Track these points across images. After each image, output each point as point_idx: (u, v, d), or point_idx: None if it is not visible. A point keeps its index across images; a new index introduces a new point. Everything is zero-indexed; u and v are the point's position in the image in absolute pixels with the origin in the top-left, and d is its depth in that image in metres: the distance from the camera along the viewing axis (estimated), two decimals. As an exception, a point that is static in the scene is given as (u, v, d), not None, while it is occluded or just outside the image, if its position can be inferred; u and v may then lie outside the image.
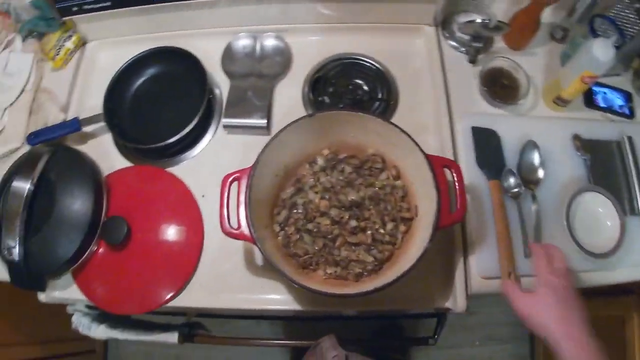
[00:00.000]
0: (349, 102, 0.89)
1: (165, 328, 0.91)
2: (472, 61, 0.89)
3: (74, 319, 0.93)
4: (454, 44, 0.91)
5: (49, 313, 0.98)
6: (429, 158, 0.69)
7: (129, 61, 0.93)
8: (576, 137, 0.85)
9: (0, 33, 0.97)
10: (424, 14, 0.90)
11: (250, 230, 0.68)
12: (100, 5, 0.90)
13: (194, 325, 0.91)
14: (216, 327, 1.00)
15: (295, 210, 0.76)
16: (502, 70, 0.88)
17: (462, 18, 0.91)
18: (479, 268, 0.77)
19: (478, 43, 0.87)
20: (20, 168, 0.88)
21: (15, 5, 1.01)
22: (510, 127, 0.85)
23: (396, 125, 0.72)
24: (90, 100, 0.95)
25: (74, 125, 0.88)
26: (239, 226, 0.69)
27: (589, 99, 0.90)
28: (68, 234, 0.81)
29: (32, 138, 0.88)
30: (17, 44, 0.98)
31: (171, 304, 0.81)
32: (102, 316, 0.94)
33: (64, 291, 0.86)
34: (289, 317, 1.25)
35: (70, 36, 0.97)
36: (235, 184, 0.71)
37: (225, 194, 0.72)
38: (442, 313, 0.87)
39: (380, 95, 0.89)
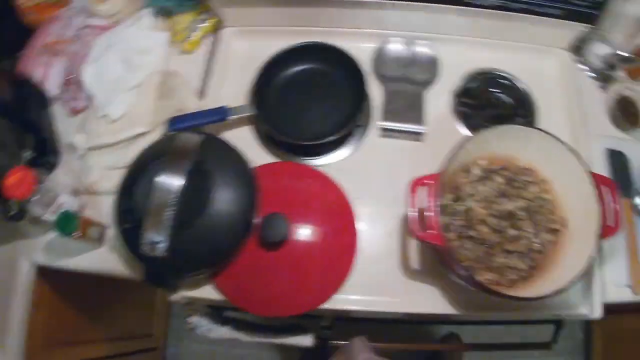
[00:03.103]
0: (492, 115, 0.93)
1: (296, 330, 0.89)
2: (603, 87, 0.96)
3: (194, 320, 0.89)
4: (585, 68, 0.98)
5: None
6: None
7: (279, 52, 0.90)
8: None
9: (127, 8, 0.89)
10: (562, 39, 0.96)
11: (444, 236, 0.71)
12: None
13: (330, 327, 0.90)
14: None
15: (455, 217, 0.78)
16: (629, 99, 0.95)
17: (595, 46, 0.97)
18: (613, 278, 0.84)
19: (610, 71, 0.94)
20: (163, 156, 0.80)
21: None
22: (637, 150, 0.93)
23: (563, 142, 0.76)
24: (226, 89, 0.90)
25: (223, 114, 0.84)
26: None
27: None
28: (220, 232, 0.76)
29: (174, 123, 0.82)
30: (145, 21, 0.90)
31: (325, 305, 0.80)
32: (224, 318, 0.90)
33: (196, 290, 0.82)
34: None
35: (203, 20, 0.91)
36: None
37: (415, 199, 0.73)
38: (561, 320, 0.93)
39: (520, 112, 0.94)
